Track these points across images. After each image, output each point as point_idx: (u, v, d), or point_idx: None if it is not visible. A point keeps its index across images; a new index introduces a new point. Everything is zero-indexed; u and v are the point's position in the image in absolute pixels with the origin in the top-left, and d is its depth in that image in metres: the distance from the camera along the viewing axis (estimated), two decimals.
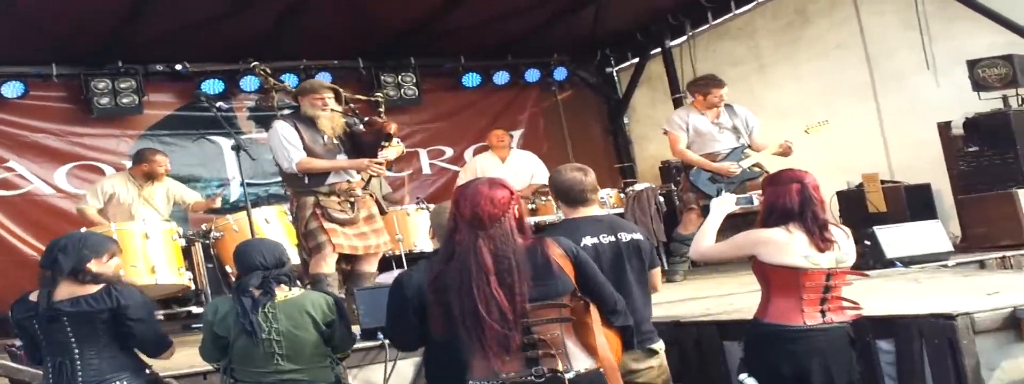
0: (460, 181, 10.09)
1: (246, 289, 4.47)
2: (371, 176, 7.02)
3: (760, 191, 4.76)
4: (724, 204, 4.90)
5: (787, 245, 4.35)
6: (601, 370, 3.63)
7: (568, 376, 3.53)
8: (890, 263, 7.49)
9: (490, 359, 3.50)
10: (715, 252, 4.80)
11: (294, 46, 10.90)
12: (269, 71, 7.96)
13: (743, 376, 4.41)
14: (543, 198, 9.37)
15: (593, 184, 4.74)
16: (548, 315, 3.56)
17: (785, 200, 4.42)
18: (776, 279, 4.39)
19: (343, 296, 6.34)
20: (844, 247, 4.46)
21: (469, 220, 3.57)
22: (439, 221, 4.52)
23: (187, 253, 7.93)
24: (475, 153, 11.88)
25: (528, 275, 3.52)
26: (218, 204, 8.85)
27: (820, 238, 4.37)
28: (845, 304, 4.47)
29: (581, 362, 3.59)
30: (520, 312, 3.48)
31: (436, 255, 4.42)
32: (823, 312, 4.36)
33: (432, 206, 9.31)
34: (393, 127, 6.99)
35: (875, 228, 7.76)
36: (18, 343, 5.82)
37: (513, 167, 9.88)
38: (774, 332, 4.38)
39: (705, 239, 4.74)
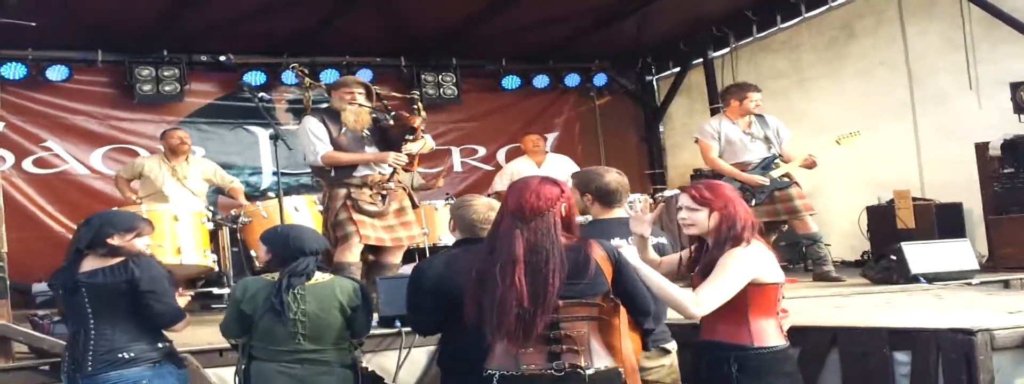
0: (496, 185, 10.26)
1: (299, 272, 4.54)
2: (394, 170, 7.06)
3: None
4: (632, 252, 4.03)
5: (773, 260, 4.09)
6: (620, 369, 3.67)
7: (588, 372, 3.57)
8: (914, 279, 7.42)
9: (508, 347, 3.56)
10: (718, 295, 3.93)
11: (337, 42, 11.02)
12: (306, 71, 8.03)
13: None
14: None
15: (628, 187, 4.78)
16: (578, 313, 3.60)
17: (744, 210, 4.11)
18: (757, 298, 4.00)
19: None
20: None
21: (513, 211, 3.62)
22: (458, 213, 4.56)
23: (214, 236, 7.99)
24: (507, 155, 12.00)
25: (564, 271, 3.55)
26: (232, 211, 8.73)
27: (770, 244, 4.18)
28: (781, 316, 4.17)
29: (602, 360, 3.63)
30: (550, 306, 3.51)
31: (459, 247, 4.52)
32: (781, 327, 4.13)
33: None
34: (417, 121, 7.05)
35: (902, 244, 7.69)
36: (41, 313, 5.95)
37: (548, 171, 9.88)
38: (769, 357, 4.00)
39: (682, 293, 3.92)
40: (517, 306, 3.49)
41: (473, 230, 4.48)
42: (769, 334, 4.00)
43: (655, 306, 3.93)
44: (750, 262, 3.99)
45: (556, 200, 3.65)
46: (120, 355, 4.49)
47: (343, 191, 6.94)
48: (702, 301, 3.89)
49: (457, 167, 12.16)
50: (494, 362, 3.64)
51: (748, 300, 3.98)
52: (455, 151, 12.13)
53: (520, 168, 10.24)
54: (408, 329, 5.50)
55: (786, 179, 8.32)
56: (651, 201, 7.17)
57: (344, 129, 6.99)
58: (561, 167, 9.99)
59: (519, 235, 3.57)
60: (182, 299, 4.93)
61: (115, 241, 4.60)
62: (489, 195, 10.48)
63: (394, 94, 7.73)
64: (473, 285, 3.65)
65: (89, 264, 4.57)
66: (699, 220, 4.13)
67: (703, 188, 4.19)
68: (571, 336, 3.58)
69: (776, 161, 8.38)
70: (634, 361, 3.78)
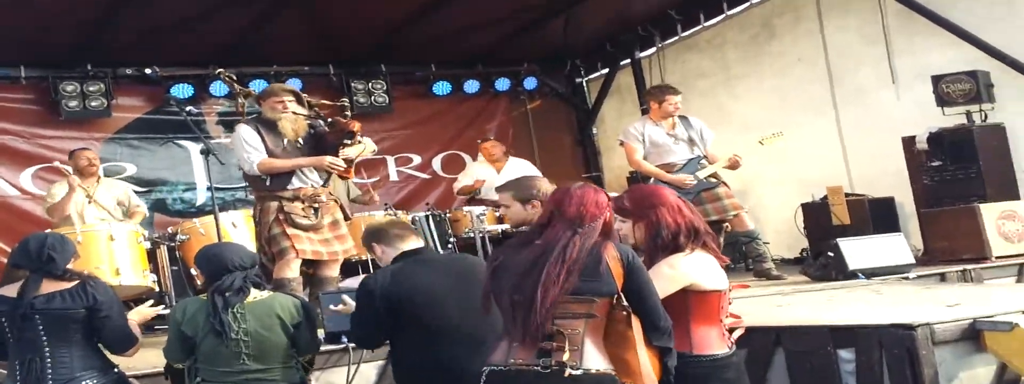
0: (458, 184, 10.54)
1: (225, 289, 4.49)
2: (329, 176, 7.01)
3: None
4: None
5: (715, 267, 4.07)
6: (614, 375, 3.58)
7: (574, 372, 3.49)
8: (852, 275, 7.54)
9: (518, 343, 3.55)
10: None
11: (264, 51, 10.93)
12: (235, 77, 7.91)
13: None
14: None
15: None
16: (574, 309, 3.56)
17: (689, 218, 4.07)
18: (699, 306, 4.00)
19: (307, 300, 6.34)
20: None
21: (571, 217, 3.63)
22: (375, 239, 4.71)
23: (152, 255, 7.89)
24: (443, 162, 12.03)
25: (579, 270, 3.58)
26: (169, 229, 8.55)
27: (718, 253, 4.14)
28: (730, 321, 4.18)
29: (595, 362, 3.55)
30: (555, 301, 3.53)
31: (401, 260, 4.55)
32: (731, 330, 4.14)
33: (399, 212, 9.36)
34: (357, 125, 6.99)
35: (838, 240, 7.82)
36: None
37: (509, 175, 9.85)
38: (710, 365, 3.97)
39: None
40: (545, 306, 3.50)
41: (395, 243, 4.68)
42: (712, 342, 3.99)
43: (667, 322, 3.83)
44: (681, 269, 3.98)
45: (605, 209, 3.72)
46: (83, 383, 4.45)
47: (275, 204, 6.81)
48: None
49: (393, 176, 12.10)
50: (491, 359, 3.64)
51: (690, 308, 3.98)
52: (390, 160, 12.06)
53: (481, 172, 10.37)
54: (355, 344, 5.48)
55: (713, 179, 8.41)
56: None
57: (284, 139, 6.88)
58: (521, 172, 9.99)
59: (578, 240, 3.59)
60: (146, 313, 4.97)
61: (71, 265, 4.59)
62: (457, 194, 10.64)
63: (324, 101, 7.63)
64: (491, 279, 3.71)
65: (42, 287, 4.50)
66: (627, 231, 4.13)
67: (624, 198, 4.20)
68: (564, 333, 3.52)
69: (702, 162, 8.46)
70: (654, 377, 3.67)
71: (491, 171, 10.34)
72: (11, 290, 4.56)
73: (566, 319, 3.54)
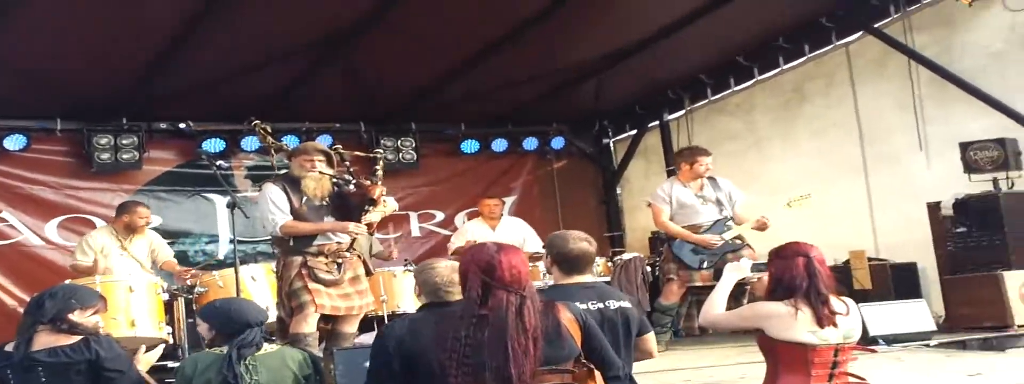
0: (453, 245, 10.16)
1: (247, 344, 4.49)
2: (353, 239, 7.04)
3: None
4: (737, 270, 4.82)
5: (792, 320, 4.22)
6: None
7: None
8: (873, 341, 7.46)
9: None
10: (723, 321, 4.66)
11: (297, 108, 10.99)
12: (269, 130, 7.97)
13: None
14: (533, 264, 9.32)
15: (594, 255, 4.80)
16: (553, 380, 3.53)
17: (791, 274, 4.32)
18: (784, 354, 4.24)
19: (322, 355, 6.31)
20: (850, 321, 4.34)
21: (508, 283, 3.56)
22: (422, 277, 4.52)
23: (169, 307, 7.90)
24: (467, 218, 11.93)
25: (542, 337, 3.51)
26: (188, 281, 8.48)
27: (826, 313, 4.26)
28: (851, 380, 4.33)
29: None
30: (533, 372, 3.45)
31: (422, 310, 4.49)
32: None
33: None
34: (377, 192, 6.96)
35: (860, 305, 7.72)
36: None
37: (503, 234, 9.86)
38: None
39: (715, 306, 4.63)
40: (525, 379, 3.41)
41: (438, 294, 4.41)
42: None
43: (627, 368, 3.93)
44: (758, 313, 4.37)
45: (528, 265, 3.68)
46: None
47: (299, 259, 6.85)
48: (706, 313, 4.65)
49: (415, 232, 12.13)
50: None
51: (777, 354, 4.29)
52: (413, 216, 12.09)
53: (476, 230, 10.22)
54: None
55: (738, 241, 8.38)
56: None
57: (305, 198, 6.94)
58: (516, 230, 10.02)
59: (529, 305, 3.52)
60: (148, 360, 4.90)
61: (76, 317, 4.53)
62: (451, 255, 10.51)
63: (357, 152, 7.63)
64: (453, 352, 3.52)
65: (45, 340, 4.45)
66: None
67: (774, 250, 4.59)
68: None
69: (728, 223, 8.44)
70: None
71: (486, 229, 10.16)
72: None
73: None
